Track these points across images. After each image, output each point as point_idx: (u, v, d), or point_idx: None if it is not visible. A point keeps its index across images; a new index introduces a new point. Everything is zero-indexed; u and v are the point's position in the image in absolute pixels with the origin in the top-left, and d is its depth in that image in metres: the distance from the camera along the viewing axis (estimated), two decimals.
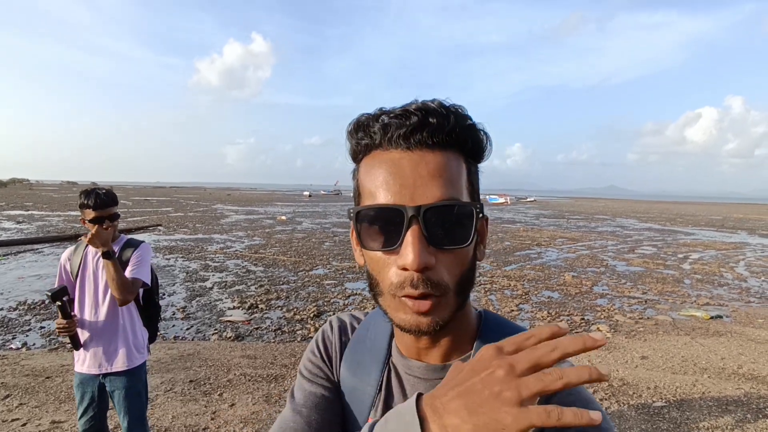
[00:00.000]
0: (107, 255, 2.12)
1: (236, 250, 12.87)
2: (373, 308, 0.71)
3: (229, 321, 6.40)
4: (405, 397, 0.61)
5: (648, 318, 6.97)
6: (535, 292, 8.56)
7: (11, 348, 5.15)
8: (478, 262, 0.59)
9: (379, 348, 0.67)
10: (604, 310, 7.34)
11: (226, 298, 7.64)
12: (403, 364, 0.63)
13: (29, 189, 69.55)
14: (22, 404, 3.57)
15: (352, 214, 0.55)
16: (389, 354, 0.66)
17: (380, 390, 0.64)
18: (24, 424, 3.25)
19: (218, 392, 3.97)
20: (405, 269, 0.50)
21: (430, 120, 0.52)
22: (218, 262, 10.96)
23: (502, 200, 59.93)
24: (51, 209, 27.36)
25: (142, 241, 2.41)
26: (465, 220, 0.51)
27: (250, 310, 6.95)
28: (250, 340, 5.70)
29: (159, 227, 18.82)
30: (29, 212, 24.96)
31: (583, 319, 6.83)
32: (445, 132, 0.52)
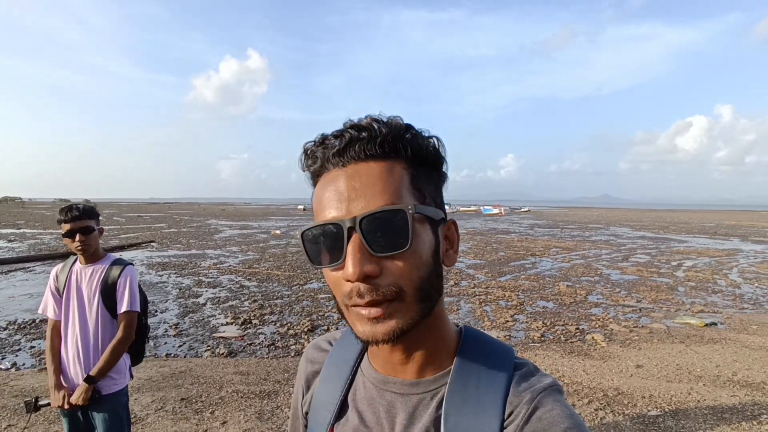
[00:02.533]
0: (89, 380, 2.13)
1: (230, 265, 12.80)
2: None
3: (222, 337, 6.34)
4: (374, 412, 0.60)
5: (642, 326, 6.97)
6: (530, 303, 8.56)
7: (0, 368, 5.06)
8: (446, 267, 0.58)
9: (345, 364, 0.67)
10: (598, 319, 7.34)
11: (219, 313, 7.58)
12: (377, 379, 0.62)
13: (21, 207, 69.04)
14: (11, 425, 3.51)
15: (299, 238, 0.56)
16: (355, 369, 0.66)
17: (343, 404, 0.63)
18: None
19: (210, 410, 3.91)
20: (350, 280, 0.50)
21: (362, 135, 0.53)
22: (212, 277, 10.89)
23: (496, 211, 60.16)
24: (43, 227, 27.13)
25: (129, 263, 2.36)
26: (399, 223, 0.50)
27: (243, 326, 6.89)
28: (243, 356, 5.64)
29: (152, 243, 18.69)
30: (21, 230, 24.74)
31: (578, 328, 6.82)
32: (376, 143, 0.53)
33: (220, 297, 8.77)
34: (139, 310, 2.28)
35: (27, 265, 12.67)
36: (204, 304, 8.19)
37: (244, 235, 23.21)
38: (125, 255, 14.93)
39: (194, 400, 4.09)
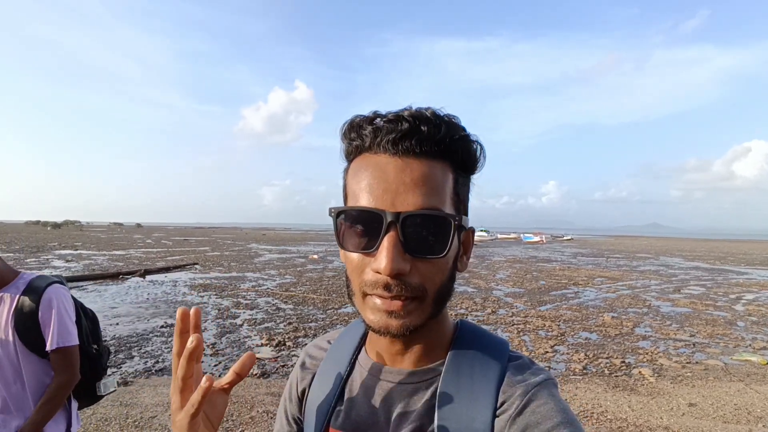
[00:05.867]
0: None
1: (267, 288, 13.04)
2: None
3: (256, 358, 6.41)
4: (371, 400, 0.61)
5: (697, 362, 6.48)
6: (572, 333, 8.17)
7: None
8: (458, 273, 0.59)
9: (344, 357, 0.68)
10: (647, 353, 6.89)
11: (255, 335, 7.69)
12: (375, 369, 0.64)
13: (80, 230, 73.64)
14: None
15: (333, 214, 0.55)
16: (353, 360, 0.67)
17: (341, 393, 0.65)
18: None
19: (240, 429, 3.93)
20: (379, 272, 0.51)
21: (422, 128, 0.52)
22: (250, 299, 11.12)
23: (537, 239, 58.47)
24: (98, 249, 28.77)
25: (54, 281, 1.76)
26: (443, 230, 0.51)
27: (277, 348, 6.95)
28: (276, 377, 5.66)
29: (196, 266, 19.38)
30: (78, 252, 26.32)
31: (623, 362, 6.42)
32: (434, 141, 0.52)
33: (256, 318, 8.92)
34: (76, 341, 1.72)
35: (81, 283, 13.42)
36: (241, 325, 8.35)
37: (282, 259, 23.66)
38: (170, 276, 15.57)
39: (225, 419, 4.12)
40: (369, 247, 0.52)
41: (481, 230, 64.00)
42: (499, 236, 70.21)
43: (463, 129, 0.55)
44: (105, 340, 6.32)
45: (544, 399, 0.52)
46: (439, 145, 0.53)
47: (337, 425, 0.62)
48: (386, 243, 0.50)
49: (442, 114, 0.54)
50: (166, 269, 17.58)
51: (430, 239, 0.51)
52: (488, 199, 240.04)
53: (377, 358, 0.64)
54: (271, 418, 4.18)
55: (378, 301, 0.52)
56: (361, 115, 0.56)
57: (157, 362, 6.06)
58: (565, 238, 78.16)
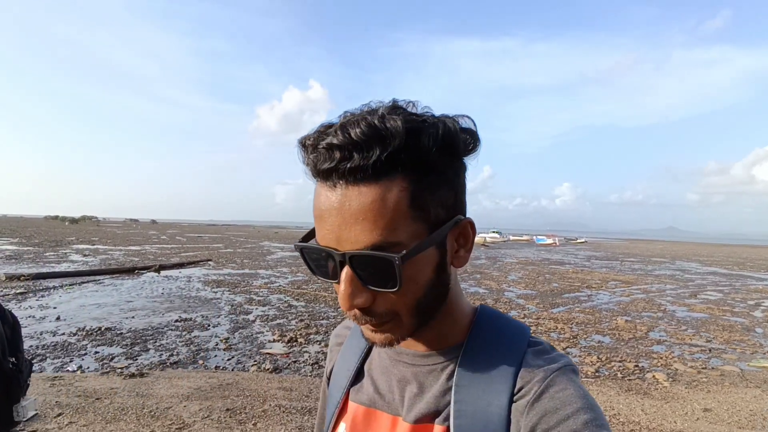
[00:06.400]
0: None
1: (280, 285, 13.15)
2: None
3: (268, 353, 6.48)
4: (387, 380, 0.63)
5: (712, 368, 6.38)
6: (584, 336, 8.10)
7: (68, 370, 5.45)
8: (454, 268, 0.56)
9: (362, 340, 0.69)
10: (661, 358, 6.80)
11: (267, 331, 7.78)
12: (391, 350, 0.64)
13: (97, 225, 75.03)
14: (72, 423, 3.75)
15: (297, 250, 0.55)
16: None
17: (359, 372, 0.67)
18: None
19: (253, 421, 3.99)
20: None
21: (354, 155, 0.46)
22: (262, 296, 11.23)
23: (550, 241, 57.97)
24: (114, 244, 29.31)
25: None
26: (387, 268, 0.47)
27: (289, 344, 7.02)
28: (288, 372, 5.73)
29: (209, 262, 19.62)
30: (95, 246, 26.84)
31: (637, 366, 6.35)
32: (369, 165, 0.46)
33: (269, 315, 9.01)
34: None
35: (98, 277, 13.68)
36: (253, 321, 8.44)
37: (294, 257, 23.82)
38: (184, 272, 15.79)
39: (239, 411, 4.19)
40: (334, 276, 0.52)
41: (493, 232, 63.63)
42: (512, 238, 69.71)
43: (410, 129, 0.47)
44: (120, 333, 6.38)
45: (563, 384, 0.51)
46: (375, 167, 0.46)
47: (355, 400, 0.65)
48: (342, 278, 0.49)
49: (378, 122, 0.46)
50: (181, 265, 17.84)
51: (379, 274, 0.48)
52: (501, 201, 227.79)
53: None
54: (283, 411, 4.24)
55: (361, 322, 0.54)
56: (307, 135, 0.51)
57: (172, 355, 6.16)
58: (578, 240, 77.30)
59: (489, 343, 0.58)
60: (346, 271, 0.49)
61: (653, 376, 5.87)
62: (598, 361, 6.53)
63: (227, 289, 12.19)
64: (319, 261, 0.53)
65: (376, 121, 0.46)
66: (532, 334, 0.60)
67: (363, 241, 0.47)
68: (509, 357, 0.55)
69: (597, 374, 5.98)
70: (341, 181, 0.48)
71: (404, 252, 0.47)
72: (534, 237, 67.06)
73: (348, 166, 0.46)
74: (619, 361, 6.57)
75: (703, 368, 6.34)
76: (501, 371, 0.54)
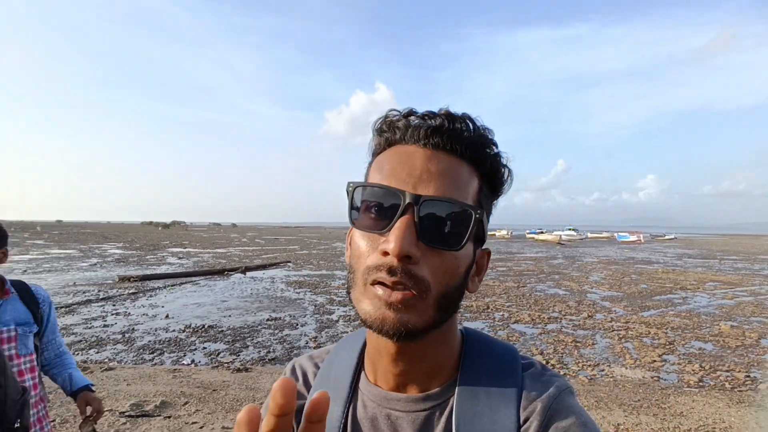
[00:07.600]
0: None
1: None
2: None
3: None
4: None
5: None
6: (682, 342, 7.55)
7: (183, 363, 6.12)
8: (467, 292, 0.55)
9: (341, 385, 0.60)
10: None
11: (351, 330, 8.12)
12: (379, 396, 0.56)
13: (185, 230, 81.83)
14: (198, 410, 4.25)
15: (350, 188, 0.52)
16: (353, 388, 0.59)
17: (344, 429, 0.57)
18: (201, 427, 3.87)
19: None
20: (386, 254, 0.46)
21: (455, 125, 0.51)
22: (341, 296, 11.68)
23: (633, 238, 53.98)
24: (202, 247, 31.88)
25: None
26: (461, 222, 0.48)
27: None
28: None
29: (288, 263, 20.73)
30: (186, 249, 29.39)
31: (747, 376, 5.83)
32: (464, 141, 0.50)
33: (350, 315, 9.38)
34: None
35: (193, 278, 15.04)
36: (337, 321, 8.85)
37: None
38: (267, 273, 16.84)
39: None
40: (381, 227, 0.48)
41: (570, 229, 60.57)
42: (590, 235, 65.89)
43: (495, 144, 0.54)
44: (221, 330, 6.93)
45: (564, 413, 0.50)
46: (469, 147, 0.51)
47: None
48: (400, 224, 0.46)
49: (479, 123, 0.53)
50: (263, 266, 19.03)
51: (446, 230, 0.48)
52: (577, 196, 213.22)
53: (381, 383, 0.57)
54: None
55: (379, 291, 0.47)
56: (395, 111, 0.54)
57: (269, 352, 6.67)
58: (666, 237, 71.20)
59: (483, 375, 0.55)
60: (407, 217, 0.47)
61: None
62: (701, 370, 6.08)
63: (308, 289, 12.84)
64: (375, 205, 0.50)
65: (476, 118, 0.53)
66: (522, 354, 0.59)
67: (442, 192, 0.48)
68: (508, 389, 0.53)
69: (701, 384, 5.58)
70: (436, 145, 0.51)
71: (483, 212, 0.50)
72: (615, 234, 62.86)
73: (448, 134, 0.50)
74: (727, 371, 6.07)
75: None
76: (503, 408, 0.52)
